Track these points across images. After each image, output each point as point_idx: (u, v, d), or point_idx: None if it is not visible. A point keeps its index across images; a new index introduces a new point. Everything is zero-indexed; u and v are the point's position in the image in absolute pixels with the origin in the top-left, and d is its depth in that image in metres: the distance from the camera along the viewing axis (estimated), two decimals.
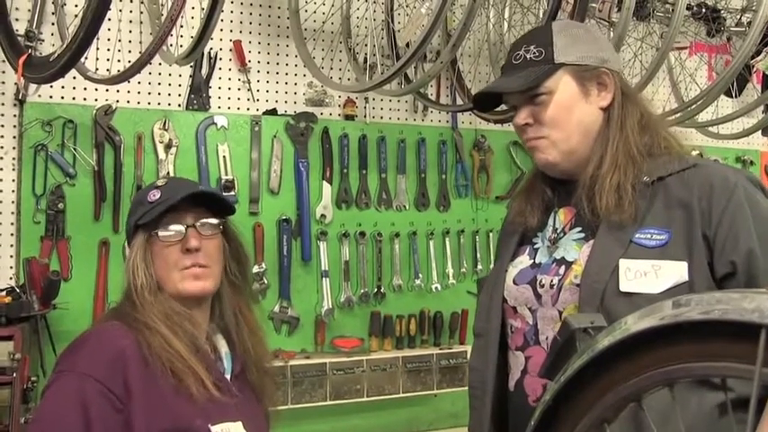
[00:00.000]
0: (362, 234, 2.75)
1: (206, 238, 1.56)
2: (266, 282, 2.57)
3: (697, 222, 1.33)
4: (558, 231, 1.50)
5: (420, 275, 2.83)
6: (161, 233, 1.54)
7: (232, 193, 2.52)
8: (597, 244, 1.40)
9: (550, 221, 1.54)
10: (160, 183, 1.62)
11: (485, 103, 1.67)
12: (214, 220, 1.59)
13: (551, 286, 1.44)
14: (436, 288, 2.85)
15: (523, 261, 1.54)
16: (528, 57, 1.49)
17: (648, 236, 1.35)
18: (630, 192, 1.38)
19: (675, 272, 1.31)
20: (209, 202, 1.61)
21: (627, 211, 1.37)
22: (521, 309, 1.50)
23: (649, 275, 1.32)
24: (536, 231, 1.55)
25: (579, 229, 1.48)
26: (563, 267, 1.44)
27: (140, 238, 1.56)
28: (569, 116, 1.47)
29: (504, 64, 1.59)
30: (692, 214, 1.34)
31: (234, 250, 1.66)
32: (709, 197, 1.34)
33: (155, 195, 1.56)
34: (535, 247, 1.54)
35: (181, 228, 1.54)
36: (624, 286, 1.33)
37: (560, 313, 1.42)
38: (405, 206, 2.84)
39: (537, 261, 1.51)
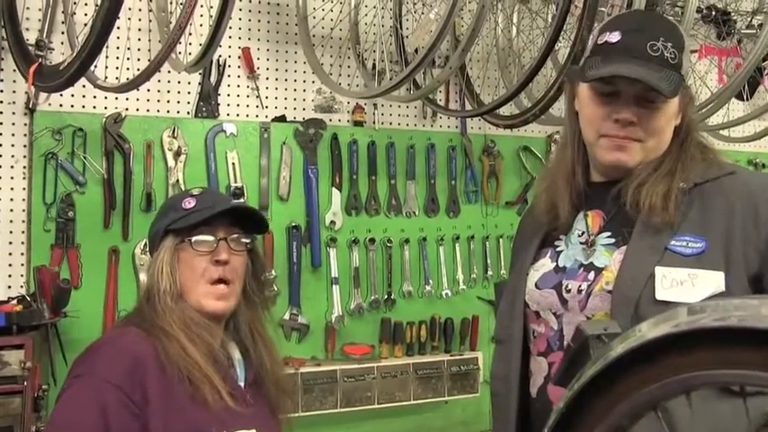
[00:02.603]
0: (372, 240, 2.74)
1: (234, 254, 1.58)
2: (276, 289, 2.57)
3: (737, 231, 1.30)
4: (589, 235, 1.46)
5: (430, 282, 2.82)
6: (194, 241, 1.55)
7: (242, 200, 2.52)
8: (631, 250, 1.36)
9: (577, 225, 1.48)
10: (195, 192, 1.64)
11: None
12: (246, 238, 1.61)
13: (579, 291, 1.40)
14: (446, 294, 2.84)
15: (545, 264, 1.49)
16: (666, 55, 1.36)
17: (684, 243, 1.32)
18: (675, 195, 1.35)
19: (712, 281, 1.28)
20: (241, 217, 1.62)
21: (670, 214, 1.33)
22: (544, 313, 1.46)
23: (686, 284, 1.29)
24: (559, 234, 1.50)
25: (609, 233, 1.43)
26: (592, 273, 1.40)
27: (169, 242, 1.56)
28: (667, 129, 1.42)
29: (621, 40, 1.39)
30: (730, 222, 1.31)
31: (256, 269, 1.68)
32: (753, 205, 1.31)
33: (190, 203, 1.58)
34: (557, 249, 1.49)
35: (213, 239, 1.56)
36: (660, 295, 1.29)
37: (588, 319, 1.38)
38: (414, 212, 2.83)
39: (561, 265, 1.46)
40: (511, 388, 1.49)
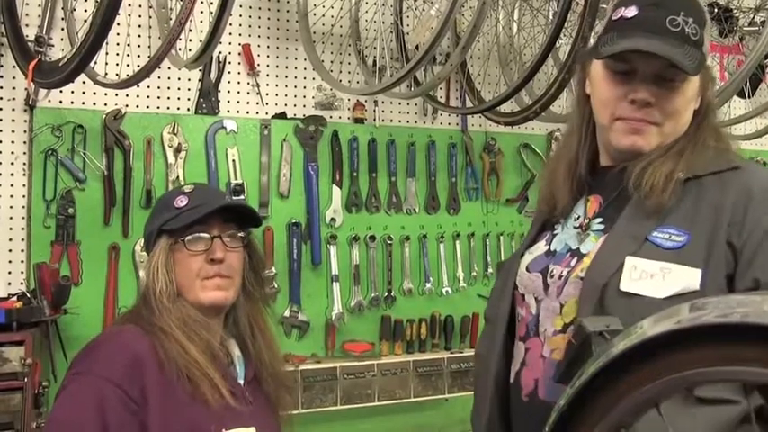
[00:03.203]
0: (372, 238, 2.74)
1: (230, 250, 1.57)
2: (276, 286, 2.57)
3: (722, 227, 1.22)
4: (584, 220, 1.40)
5: (430, 279, 2.82)
6: (188, 241, 1.54)
7: (242, 197, 2.52)
8: (610, 237, 1.30)
9: (577, 210, 1.43)
10: (187, 189, 1.62)
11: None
12: (240, 234, 1.60)
13: (560, 277, 1.35)
14: (447, 292, 2.84)
15: (540, 248, 1.44)
16: (687, 31, 1.26)
17: (666, 236, 1.24)
18: (677, 180, 1.27)
19: (685, 278, 1.19)
20: (235, 212, 1.61)
21: (669, 198, 1.26)
22: (528, 297, 1.41)
23: (656, 278, 1.20)
24: (559, 218, 1.45)
25: (601, 220, 1.37)
26: (575, 259, 1.35)
27: (163, 242, 1.55)
28: (686, 112, 1.33)
29: (638, 14, 1.29)
30: (719, 218, 1.23)
31: (254, 263, 1.67)
32: (746, 204, 1.22)
33: (182, 201, 1.56)
34: (554, 233, 1.45)
35: (207, 237, 1.55)
36: (625, 285, 1.22)
37: (561, 306, 1.33)
38: (415, 209, 2.83)
39: (552, 249, 1.42)
40: (489, 368, 1.44)
